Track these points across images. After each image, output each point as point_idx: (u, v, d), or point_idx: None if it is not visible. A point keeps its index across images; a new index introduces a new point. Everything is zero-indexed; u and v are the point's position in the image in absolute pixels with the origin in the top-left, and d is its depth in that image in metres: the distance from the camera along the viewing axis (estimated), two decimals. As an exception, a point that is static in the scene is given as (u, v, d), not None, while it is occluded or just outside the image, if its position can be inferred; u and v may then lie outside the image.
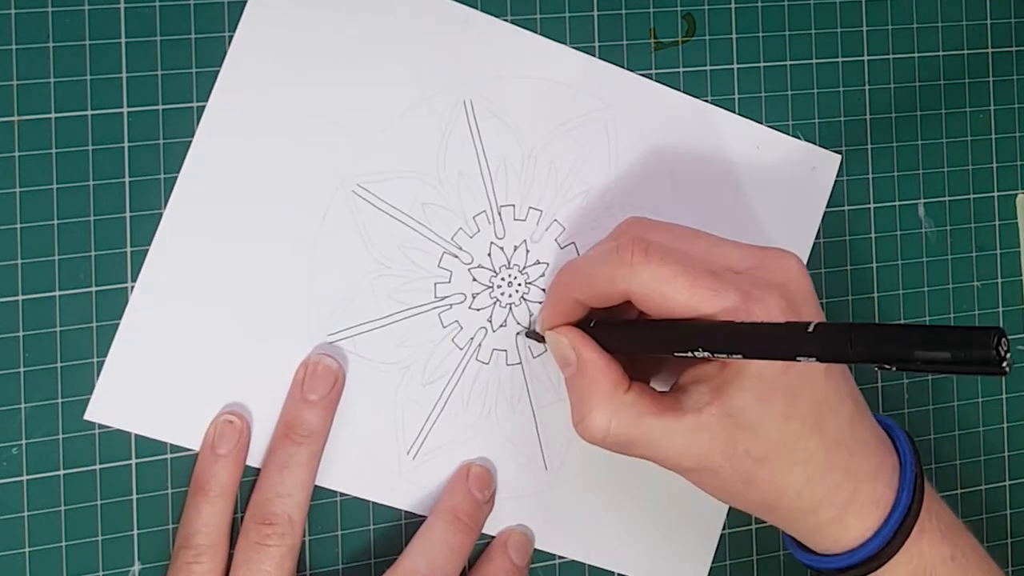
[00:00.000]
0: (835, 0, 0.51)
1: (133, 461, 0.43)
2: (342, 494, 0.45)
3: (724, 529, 0.50)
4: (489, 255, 0.47)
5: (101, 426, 0.43)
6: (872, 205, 0.52)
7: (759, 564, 0.50)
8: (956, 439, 0.53)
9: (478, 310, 0.46)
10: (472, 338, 0.46)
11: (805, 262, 0.45)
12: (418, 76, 0.46)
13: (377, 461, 0.45)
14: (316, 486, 0.44)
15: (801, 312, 0.39)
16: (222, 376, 0.44)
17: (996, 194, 0.54)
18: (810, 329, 0.34)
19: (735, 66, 0.50)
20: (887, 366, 0.31)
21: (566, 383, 0.42)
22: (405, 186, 0.46)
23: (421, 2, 0.46)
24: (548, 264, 0.47)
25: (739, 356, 0.36)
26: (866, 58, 0.52)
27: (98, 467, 0.43)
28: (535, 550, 0.47)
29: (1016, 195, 0.54)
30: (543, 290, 0.47)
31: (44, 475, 0.42)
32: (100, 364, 0.43)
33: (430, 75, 0.46)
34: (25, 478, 0.42)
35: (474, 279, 0.46)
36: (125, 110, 0.43)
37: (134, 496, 0.43)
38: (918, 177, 0.53)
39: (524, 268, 0.47)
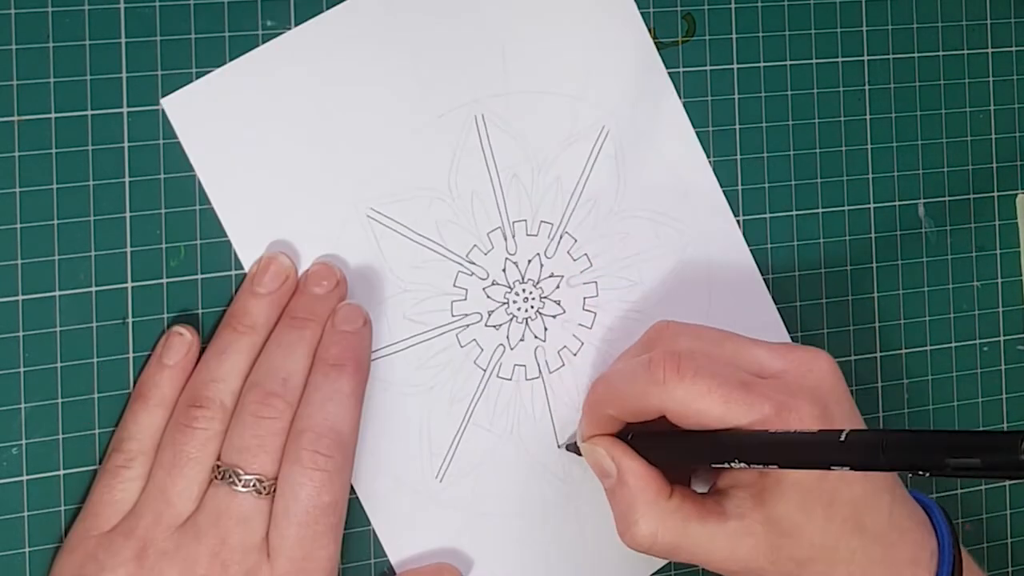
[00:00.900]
0: (835, 0, 0.51)
1: (133, 461, 0.43)
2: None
3: None
4: (504, 271, 0.47)
5: (101, 425, 0.43)
6: (872, 205, 0.52)
7: (759, 564, 0.50)
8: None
9: (496, 327, 0.47)
10: (492, 357, 0.46)
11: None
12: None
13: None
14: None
15: (834, 414, 0.40)
16: None
17: (996, 194, 0.54)
18: (842, 439, 0.35)
19: (735, 66, 0.50)
20: (919, 473, 0.32)
21: (607, 494, 0.43)
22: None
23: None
24: (563, 276, 0.47)
25: (774, 466, 0.37)
26: (866, 58, 0.52)
27: (98, 467, 0.43)
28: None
29: (1016, 195, 0.54)
30: (558, 303, 0.47)
31: (44, 475, 0.42)
32: (100, 364, 0.43)
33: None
34: (25, 478, 0.42)
35: (488, 297, 0.46)
36: (125, 110, 0.43)
37: (134, 496, 0.43)
38: (918, 177, 0.53)
39: (538, 282, 0.47)
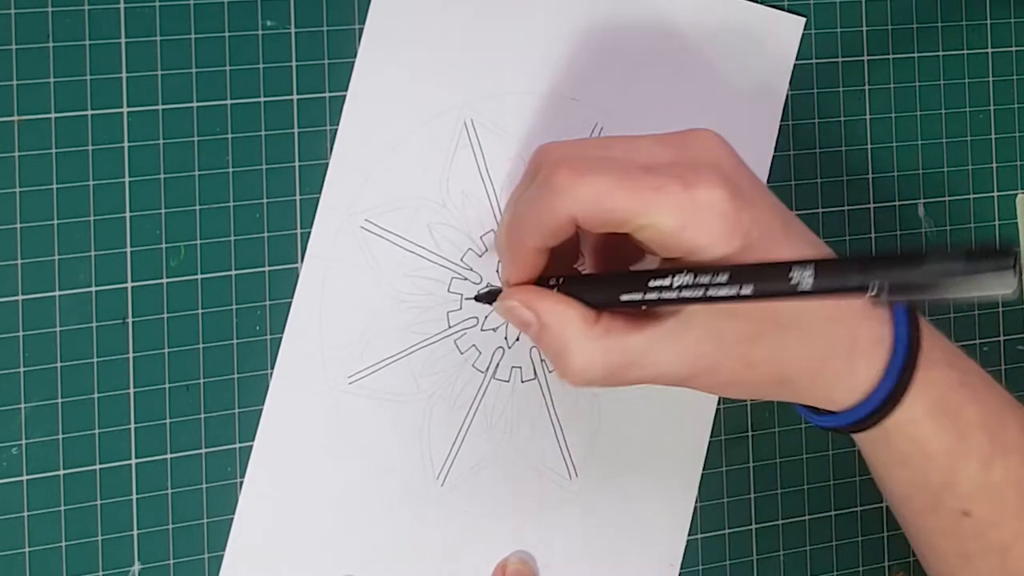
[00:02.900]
0: (835, 0, 0.51)
1: (133, 461, 0.43)
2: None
3: (724, 529, 0.50)
4: (498, 272, 0.47)
5: (101, 426, 0.43)
6: (872, 205, 0.52)
7: (759, 564, 0.50)
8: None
9: (493, 330, 0.47)
10: (491, 359, 0.47)
11: (778, 116, 0.47)
12: (417, 100, 0.46)
13: (408, 491, 0.46)
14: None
15: (740, 184, 0.38)
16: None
17: (996, 194, 0.54)
18: (807, 268, 0.33)
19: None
20: (894, 293, 0.31)
21: (536, 344, 0.41)
22: (412, 214, 0.46)
23: (418, 26, 0.46)
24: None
25: (730, 290, 0.35)
26: (867, 58, 0.52)
27: (98, 467, 0.43)
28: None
29: (1016, 195, 0.54)
30: None
31: (44, 475, 0.42)
32: (100, 364, 0.43)
33: (429, 98, 0.46)
34: (25, 478, 0.42)
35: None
36: (125, 110, 0.43)
37: (134, 496, 0.43)
38: (918, 177, 0.53)
39: None
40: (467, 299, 0.46)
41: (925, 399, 0.39)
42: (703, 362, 0.38)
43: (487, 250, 0.47)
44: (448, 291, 0.46)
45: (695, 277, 0.35)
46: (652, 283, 0.36)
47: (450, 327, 0.46)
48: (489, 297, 0.44)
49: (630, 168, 0.37)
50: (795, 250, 0.38)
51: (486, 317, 0.47)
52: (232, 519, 0.44)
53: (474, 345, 0.46)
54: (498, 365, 0.47)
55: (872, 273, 0.31)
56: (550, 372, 0.47)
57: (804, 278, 0.33)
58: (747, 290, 0.34)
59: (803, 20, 0.50)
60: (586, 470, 0.47)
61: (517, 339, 0.47)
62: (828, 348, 0.39)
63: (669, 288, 0.36)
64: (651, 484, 0.48)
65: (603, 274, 0.40)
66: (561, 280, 0.40)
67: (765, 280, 0.34)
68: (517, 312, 0.40)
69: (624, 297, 0.37)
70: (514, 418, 0.47)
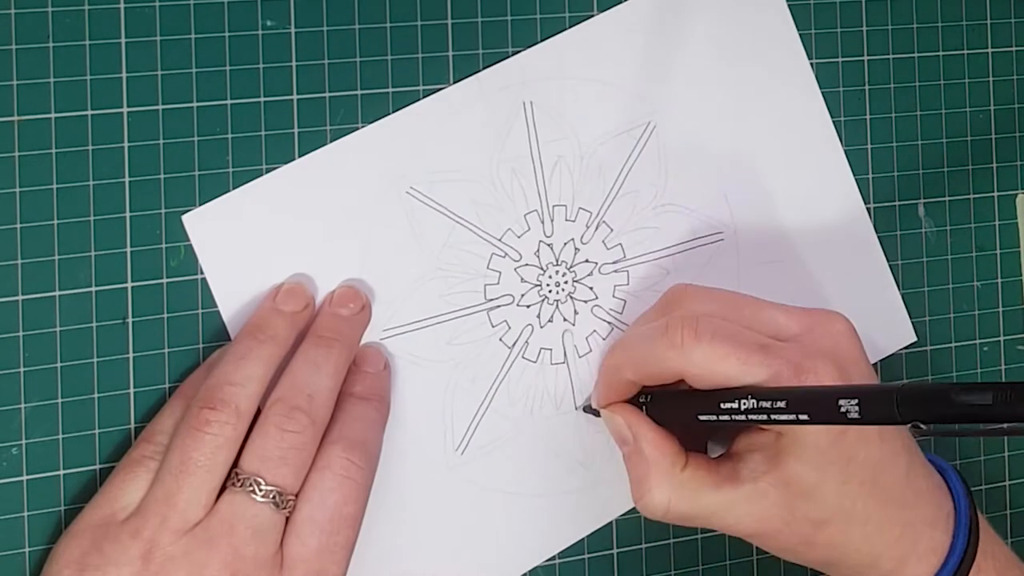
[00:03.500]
0: (835, 0, 0.51)
1: (133, 461, 0.43)
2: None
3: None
4: (537, 253, 0.47)
5: (101, 426, 0.43)
6: (872, 205, 0.52)
7: (759, 564, 0.50)
8: (955, 441, 0.53)
9: (527, 307, 0.47)
10: (519, 336, 0.47)
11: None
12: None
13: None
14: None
15: (851, 375, 0.40)
16: None
17: (996, 194, 0.54)
18: (853, 398, 0.34)
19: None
20: (927, 424, 0.32)
21: (624, 459, 0.43)
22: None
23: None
24: (596, 263, 0.48)
25: (782, 404, 0.37)
26: (866, 58, 0.52)
27: (98, 467, 0.43)
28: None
29: (1016, 195, 0.54)
30: (591, 288, 0.48)
31: (44, 475, 0.42)
32: (100, 364, 0.43)
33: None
34: (25, 478, 0.42)
35: (522, 279, 0.47)
36: (125, 110, 0.43)
37: (134, 496, 0.43)
38: (918, 177, 0.53)
39: (572, 266, 0.47)
40: (578, 409, 0.47)
41: None
42: (767, 528, 0.40)
43: (528, 230, 0.47)
44: (488, 268, 0.46)
45: (758, 403, 0.38)
46: (723, 405, 0.39)
47: (486, 300, 0.46)
48: (591, 410, 0.47)
49: (749, 343, 0.39)
50: None
51: (523, 295, 0.47)
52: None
53: (505, 320, 0.47)
54: (527, 343, 0.47)
55: (909, 409, 0.33)
56: (580, 358, 0.47)
57: (851, 408, 0.34)
58: (803, 416, 0.36)
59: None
60: (602, 463, 0.48)
61: (550, 320, 0.47)
62: (886, 548, 0.41)
63: (738, 411, 0.38)
64: None
65: (681, 393, 0.42)
66: (649, 398, 0.43)
67: (818, 408, 0.36)
68: (621, 430, 0.43)
69: (701, 418, 0.40)
70: (538, 398, 0.47)
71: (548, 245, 0.47)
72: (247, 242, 0.44)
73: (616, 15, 0.48)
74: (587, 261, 0.48)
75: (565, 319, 0.47)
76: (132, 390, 0.43)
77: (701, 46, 0.49)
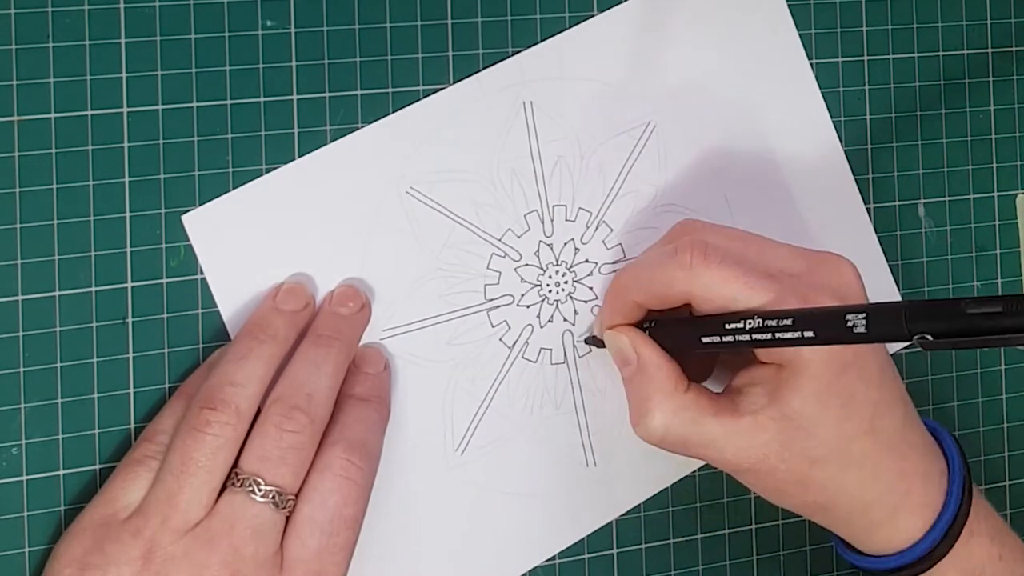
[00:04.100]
0: (835, 0, 0.51)
1: (133, 461, 0.43)
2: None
3: (724, 529, 0.50)
4: (537, 253, 0.47)
5: (101, 426, 0.43)
6: (872, 205, 0.52)
7: (759, 564, 0.50)
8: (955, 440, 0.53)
9: (527, 307, 0.47)
10: (519, 336, 0.47)
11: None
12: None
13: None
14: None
15: None
16: None
17: (996, 194, 0.54)
18: (863, 314, 0.34)
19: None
20: (939, 339, 0.32)
21: (624, 382, 0.43)
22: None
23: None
24: (596, 263, 0.48)
25: (788, 322, 0.37)
26: (866, 58, 0.52)
27: (98, 467, 0.43)
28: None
29: (1016, 195, 0.54)
30: (591, 288, 0.48)
31: (44, 475, 0.42)
32: (100, 364, 0.43)
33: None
34: (25, 478, 0.42)
35: (522, 279, 0.47)
36: (125, 110, 0.43)
37: (134, 496, 0.43)
38: (918, 177, 0.53)
39: (572, 266, 0.47)
40: (578, 341, 0.47)
41: (960, 566, 0.41)
42: (763, 464, 0.40)
43: (528, 230, 0.47)
44: (488, 268, 0.46)
45: (763, 321, 0.37)
46: (728, 325, 0.39)
47: (486, 300, 0.46)
48: (594, 339, 0.46)
49: (756, 270, 0.39)
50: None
51: (523, 295, 0.47)
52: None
53: (505, 320, 0.47)
54: (527, 343, 0.47)
55: (918, 323, 0.32)
56: (580, 358, 0.47)
57: (859, 322, 0.34)
58: (809, 333, 0.36)
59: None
60: (605, 460, 0.48)
61: (550, 320, 0.47)
62: (879, 495, 0.40)
63: (742, 331, 0.38)
64: (664, 477, 0.49)
65: (685, 319, 0.42)
66: (653, 323, 0.43)
67: (824, 325, 0.36)
68: (624, 350, 0.42)
69: (705, 339, 0.40)
70: (538, 398, 0.47)
71: (548, 245, 0.47)
72: (247, 242, 0.44)
73: (615, 15, 0.48)
74: (587, 261, 0.48)
75: (565, 319, 0.47)
76: (132, 390, 0.43)
77: (700, 44, 0.49)
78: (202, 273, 0.44)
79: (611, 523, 0.48)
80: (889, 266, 0.52)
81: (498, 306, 0.47)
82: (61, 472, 0.42)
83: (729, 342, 0.39)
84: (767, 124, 0.50)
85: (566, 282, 0.47)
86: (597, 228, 0.48)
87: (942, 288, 0.52)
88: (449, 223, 0.46)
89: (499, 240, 0.47)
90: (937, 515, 0.41)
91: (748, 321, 0.38)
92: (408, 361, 0.46)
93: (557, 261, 0.47)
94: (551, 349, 0.47)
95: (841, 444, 0.40)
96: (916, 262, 0.52)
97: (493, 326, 0.47)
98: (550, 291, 0.47)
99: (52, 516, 0.42)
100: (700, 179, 0.49)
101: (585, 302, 0.48)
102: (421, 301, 0.46)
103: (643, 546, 0.49)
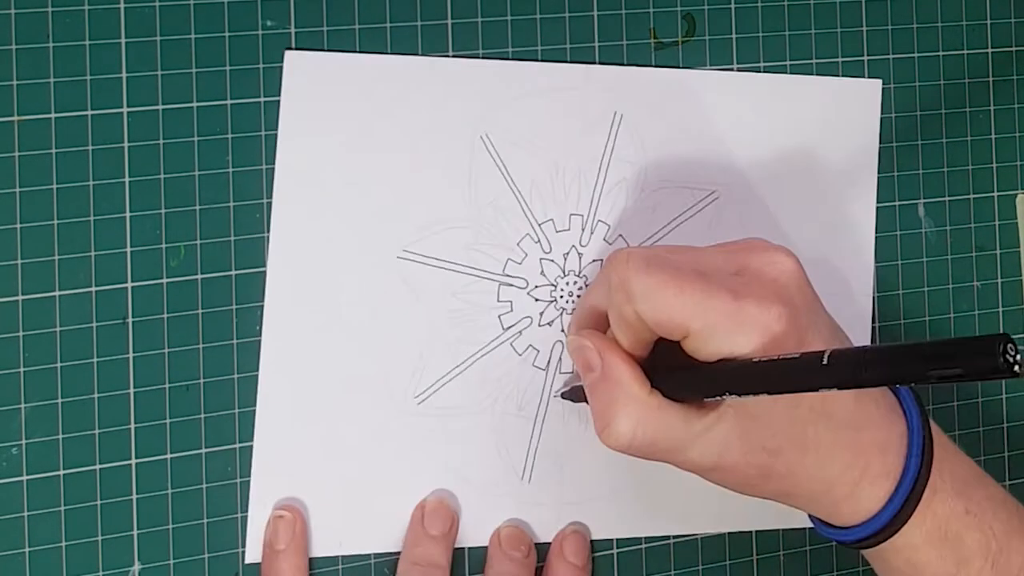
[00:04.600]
0: (835, 0, 0.51)
1: (133, 461, 0.43)
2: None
3: (723, 529, 0.50)
4: (566, 255, 0.47)
5: (101, 426, 0.43)
6: (872, 205, 0.52)
7: (759, 564, 0.50)
8: (956, 439, 0.53)
9: (535, 300, 0.47)
10: (517, 323, 0.47)
11: (873, 197, 0.48)
12: (427, 129, 0.46)
13: (387, 389, 0.46)
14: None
15: (793, 300, 0.39)
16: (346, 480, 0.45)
17: (996, 194, 0.54)
18: (824, 362, 0.34)
19: (735, 66, 0.50)
20: (903, 386, 0.32)
21: (588, 389, 0.42)
22: (525, 156, 0.46)
23: (411, 67, 0.46)
24: (602, 260, 0.48)
25: (764, 394, 0.37)
26: (866, 58, 0.52)
27: (98, 467, 0.43)
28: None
29: (1016, 195, 0.54)
30: None
31: (44, 475, 0.42)
32: (99, 364, 0.43)
33: (437, 124, 0.46)
34: (25, 478, 0.42)
35: (542, 271, 0.47)
36: (125, 110, 0.43)
37: (134, 496, 0.43)
38: (918, 177, 0.53)
39: (580, 272, 0.47)
40: (554, 395, 0.47)
41: (926, 527, 0.41)
42: (726, 460, 0.40)
43: (526, 255, 0.47)
44: (498, 301, 0.47)
45: (739, 397, 0.38)
46: (706, 400, 0.39)
47: (505, 332, 0.47)
48: (572, 394, 0.47)
49: (684, 270, 0.39)
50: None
51: (541, 313, 0.47)
52: (232, 519, 0.44)
53: (531, 345, 0.47)
54: (520, 332, 0.47)
55: (876, 370, 0.33)
56: (560, 374, 0.47)
57: (827, 391, 0.34)
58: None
59: (879, 83, 0.51)
60: (539, 482, 0.47)
61: (549, 324, 0.47)
62: (838, 474, 0.40)
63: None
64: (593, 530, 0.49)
65: (673, 370, 0.42)
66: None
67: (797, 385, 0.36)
68: (587, 354, 0.42)
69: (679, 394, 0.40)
70: (507, 390, 0.47)
71: (579, 254, 0.47)
72: (330, 108, 0.45)
73: (733, 80, 0.48)
74: (594, 261, 0.48)
75: (563, 329, 0.47)
76: (132, 390, 0.43)
77: (786, 142, 0.49)
78: (202, 273, 0.44)
79: (611, 523, 0.48)
80: (889, 266, 0.52)
81: (511, 284, 0.47)
82: (61, 472, 0.42)
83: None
84: (819, 238, 0.50)
85: (579, 288, 0.47)
86: (595, 228, 0.48)
87: (942, 288, 0.52)
88: (503, 185, 0.46)
89: (539, 225, 0.47)
90: (897, 482, 0.41)
91: (724, 397, 0.39)
92: (411, 290, 0.45)
93: (580, 272, 0.47)
94: (539, 350, 0.47)
95: (795, 430, 0.39)
96: (916, 262, 0.52)
97: (499, 301, 0.46)
98: (561, 296, 0.47)
99: (52, 516, 0.42)
100: (680, 153, 0.48)
101: None
102: (446, 242, 0.46)
103: (643, 546, 0.49)
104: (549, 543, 0.47)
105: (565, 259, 0.47)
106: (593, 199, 0.47)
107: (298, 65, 0.44)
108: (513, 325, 0.47)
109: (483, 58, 0.47)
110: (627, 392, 0.40)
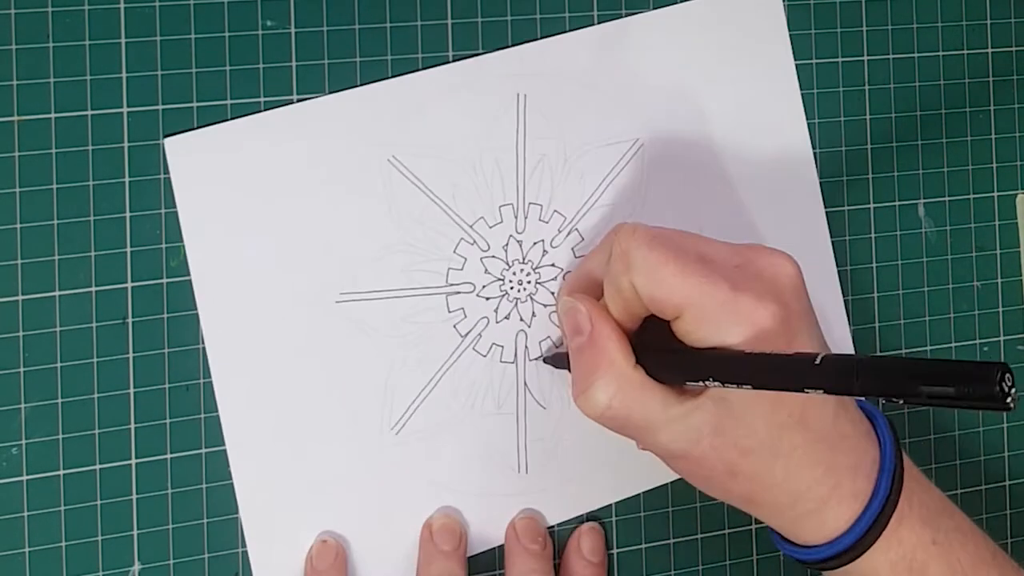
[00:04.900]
0: (835, 0, 0.51)
1: (133, 461, 0.43)
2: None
3: (724, 529, 0.50)
4: (505, 247, 0.47)
5: (101, 426, 0.43)
6: (872, 205, 0.52)
7: (759, 564, 0.50)
8: (956, 439, 0.53)
9: (486, 299, 0.47)
10: (474, 327, 0.47)
11: (800, 110, 0.48)
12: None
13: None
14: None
15: (788, 304, 0.39)
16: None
17: (996, 194, 0.54)
18: (817, 362, 0.34)
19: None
20: (892, 399, 0.32)
21: (572, 353, 0.42)
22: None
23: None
24: (561, 270, 0.47)
25: (748, 387, 0.37)
26: (866, 58, 0.52)
27: (98, 467, 0.43)
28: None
29: (1016, 195, 0.54)
30: (552, 293, 0.47)
31: (44, 475, 0.42)
32: (100, 364, 0.43)
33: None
34: (25, 478, 0.42)
35: (486, 270, 0.47)
36: (125, 110, 0.43)
37: (134, 496, 0.43)
38: (918, 177, 0.53)
39: (537, 267, 0.47)
40: (536, 359, 0.47)
41: (891, 555, 0.41)
42: (695, 450, 0.40)
43: (501, 222, 0.47)
44: (454, 252, 0.46)
45: (723, 384, 0.38)
46: (687, 384, 0.39)
47: (447, 284, 0.46)
48: (556, 360, 0.46)
49: (690, 254, 0.39)
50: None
51: (495, 311, 0.47)
52: (232, 519, 0.44)
53: (493, 343, 0.47)
54: (480, 335, 0.47)
55: (868, 379, 0.33)
56: (530, 361, 0.47)
57: (815, 393, 0.34)
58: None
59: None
60: (538, 471, 0.47)
61: (506, 318, 0.47)
62: (806, 488, 0.40)
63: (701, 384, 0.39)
64: (597, 499, 0.48)
65: (654, 351, 0.41)
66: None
67: (783, 385, 0.36)
68: (578, 317, 0.41)
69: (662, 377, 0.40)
70: (481, 393, 0.47)
71: (518, 241, 0.47)
72: (224, 177, 0.44)
73: (626, 26, 0.48)
74: (553, 265, 0.47)
75: (522, 319, 0.47)
76: (132, 390, 0.43)
77: (698, 73, 0.49)
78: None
79: (612, 523, 0.48)
80: (889, 266, 0.52)
81: (458, 292, 0.46)
82: (61, 472, 0.42)
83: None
84: (755, 159, 0.49)
85: (529, 282, 0.47)
86: (569, 234, 0.47)
87: (942, 288, 0.52)
88: (424, 199, 0.46)
89: (470, 227, 0.46)
90: (865, 505, 0.40)
91: (707, 383, 0.38)
92: (359, 329, 0.45)
93: (524, 259, 0.47)
94: (503, 346, 0.47)
95: (771, 434, 0.39)
96: (916, 262, 0.52)
97: (450, 312, 0.46)
98: (512, 287, 0.47)
99: (52, 516, 0.42)
100: (679, 205, 0.48)
101: (544, 305, 0.47)
102: (383, 272, 0.45)
103: (643, 546, 0.49)
104: (559, 526, 0.47)
105: (506, 251, 0.47)
106: (518, 185, 0.47)
107: (180, 148, 0.43)
108: (471, 330, 0.46)
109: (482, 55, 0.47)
110: (611, 361, 0.40)
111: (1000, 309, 0.54)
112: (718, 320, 0.38)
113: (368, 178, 0.45)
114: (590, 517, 0.48)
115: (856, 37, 0.52)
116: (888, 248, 0.52)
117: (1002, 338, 0.54)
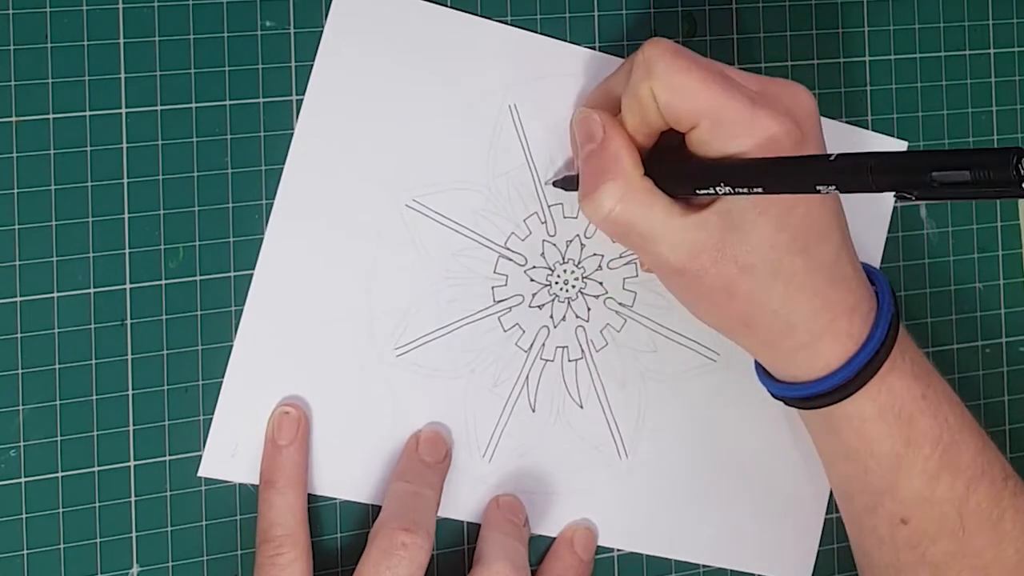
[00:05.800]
0: (837, 1, 0.51)
1: (132, 463, 0.43)
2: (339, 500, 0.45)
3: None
4: (543, 254, 0.47)
5: (100, 427, 0.43)
6: (873, 206, 0.52)
7: (760, 566, 0.50)
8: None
9: (539, 307, 0.47)
10: (535, 338, 0.47)
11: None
12: (460, 86, 0.46)
13: (455, 468, 0.46)
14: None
15: (804, 127, 0.39)
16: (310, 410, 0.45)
17: (998, 195, 0.54)
18: (832, 159, 0.34)
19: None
20: (908, 194, 0.31)
21: (583, 159, 0.42)
22: (456, 196, 0.46)
23: (457, 22, 0.46)
24: (602, 256, 0.47)
25: (759, 190, 0.37)
26: (868, 58, 0.52)
27: (97, 469, 0.43)
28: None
29: (1018, 196, 0.54)
30: (600, 283, 0.47)
31: (43, 477, 0.42)
32: (98, 366, 0.43)
33: (471, 84, 0.46)
34: (24, 480, 0.42)
35: (531, 279, 0.47)
36: (124, 111, 0.43)
37: (132, 498, 0.43)
38: (920, 178, 0.52)
39: (580, 262, 0.47)
40: (546, 183, 0.47)
41: (880, 401, 0.41)
42: (695, 263, 0.40)
43: (531, 233, 0.47)
44: (494, 272, 0.46)
45: (734, 189, 0.37)
46: (698, 191, 0.39)
47: (495, 304, 0.46)
48: (563, 183, 0.46)
49: (713, 68, 0.40)
50: None
51: (534, 294, 0.47)
52: (232, 521, 0.44)
53: (518, 324, 0.47)
54: (543, 344, 0.47)
55: (883, 174, 0.32)
56: (596, 352, 0.47)
57: (828, 191, 0.34)
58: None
59: (905, 144, 0.51)
60: (635, 450, 0.48)
61: (563, 319, 0.47)
62: (803, 318, 0.40)
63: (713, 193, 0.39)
64: (708, 472, 0.49)
65: (668, 162, 0.42)
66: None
67: (798, 187, 0.36)
68: (591, 125, 0.42)
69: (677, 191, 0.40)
70: (561, 397, 0.47)
71: (552, 244, 0.47)
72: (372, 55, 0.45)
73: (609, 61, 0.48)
74: (594, 255, 0.47)
75: (577, 316, 0.47)
76: (131, 392, 0.43)
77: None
78: (202, 274, 0.44)
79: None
80: (891, 267, 0.52)
81: (509, 308, 0.46)
82: (60, 474, 0.42)
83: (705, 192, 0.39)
84: None
85: (576, 279, 0.47)
86: None
87: (944, 289, 0.52)
88: (451, 232, 0.46)
89: (503, 246, 0.46)
90: (859, 346, 0.41)
91: (718, 190, 0.38)
92: (424, 375, 0.45)
93: (564, 259, 0.47)
94: (567, 346, 0.47)
95: (772, 254, 0.39)
96: (918, 263, 0.52)
97: (505, 330, 0.46)
98: (560, 289, 0.47)
99: (51, 518, 0.42)
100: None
101: (596, 297, 0.47)
102: (430, 312, 0.46)
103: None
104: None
105: (567, 246, 0.47)
106: (537, 194, 0.47)
107: (345, 8, 0.44)
108: (504, 300, 0.46)
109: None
110: (620, 166, 0.40)
111: (1002, 311, 0.53)
112: (735, 130, 0.38)
113: (485, 113, 0.46)
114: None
115: (858, 37, 0.52)
116: (890, 249, 0.52)
117: (1004, 340, 0.54)
